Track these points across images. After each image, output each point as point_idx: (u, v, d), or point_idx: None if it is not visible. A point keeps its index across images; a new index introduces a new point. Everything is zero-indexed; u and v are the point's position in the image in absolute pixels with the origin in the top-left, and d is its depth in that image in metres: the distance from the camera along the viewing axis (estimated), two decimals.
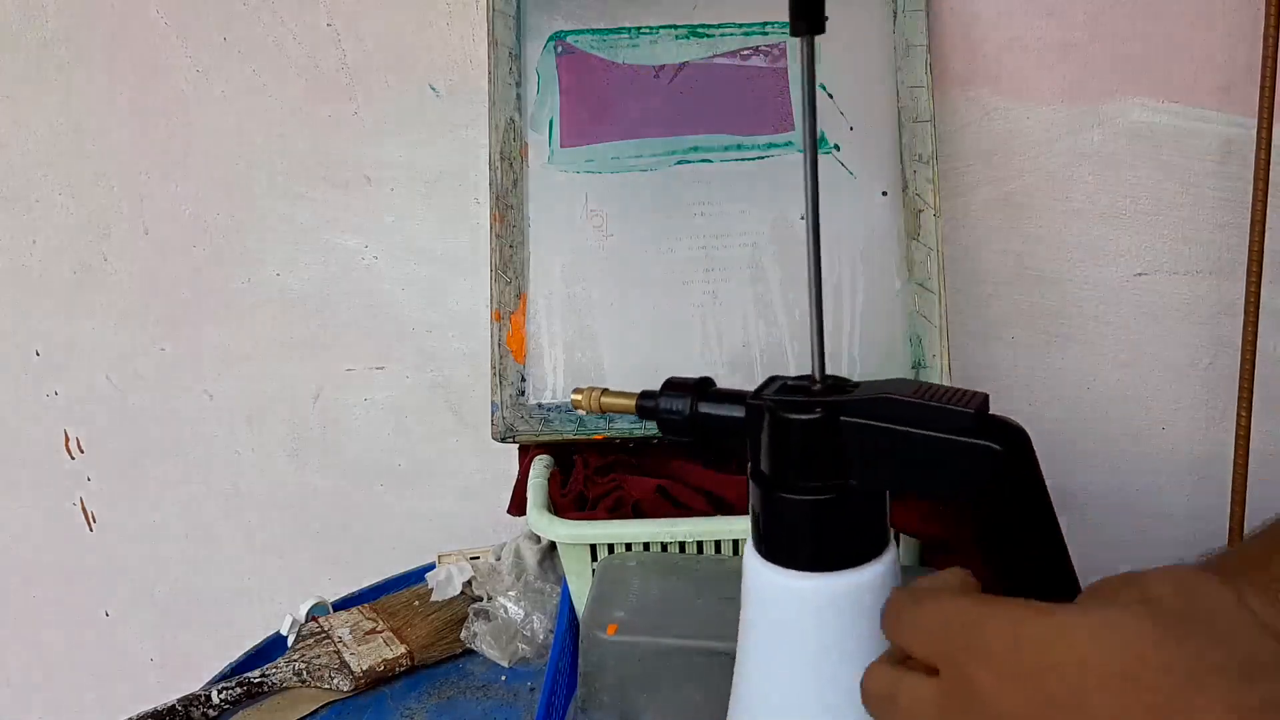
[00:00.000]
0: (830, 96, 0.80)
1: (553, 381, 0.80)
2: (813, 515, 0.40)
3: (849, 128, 0.80)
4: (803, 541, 0.40)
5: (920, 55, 0.80)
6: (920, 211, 0.80)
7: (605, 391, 0.50)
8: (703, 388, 0.45)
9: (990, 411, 0.40)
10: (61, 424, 1.03)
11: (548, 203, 0.81)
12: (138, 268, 0.96)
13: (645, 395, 0.47)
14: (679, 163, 0.81)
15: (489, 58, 0.81)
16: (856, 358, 0.79)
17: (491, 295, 0.81)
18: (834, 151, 0.80)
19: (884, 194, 0.80)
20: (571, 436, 0.78)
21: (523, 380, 0.80)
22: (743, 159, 0.80)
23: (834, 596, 0.40)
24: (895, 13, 0.81)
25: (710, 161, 0.81)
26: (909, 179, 0.80)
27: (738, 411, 0.43)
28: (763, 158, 0.80)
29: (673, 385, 0.46)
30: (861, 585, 0.40)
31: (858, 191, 0.80)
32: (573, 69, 0.82)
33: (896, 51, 0.81)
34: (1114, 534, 0.98)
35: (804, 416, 0.40)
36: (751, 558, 0.42)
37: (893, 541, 0.42)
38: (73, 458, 1.04)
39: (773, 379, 0.43)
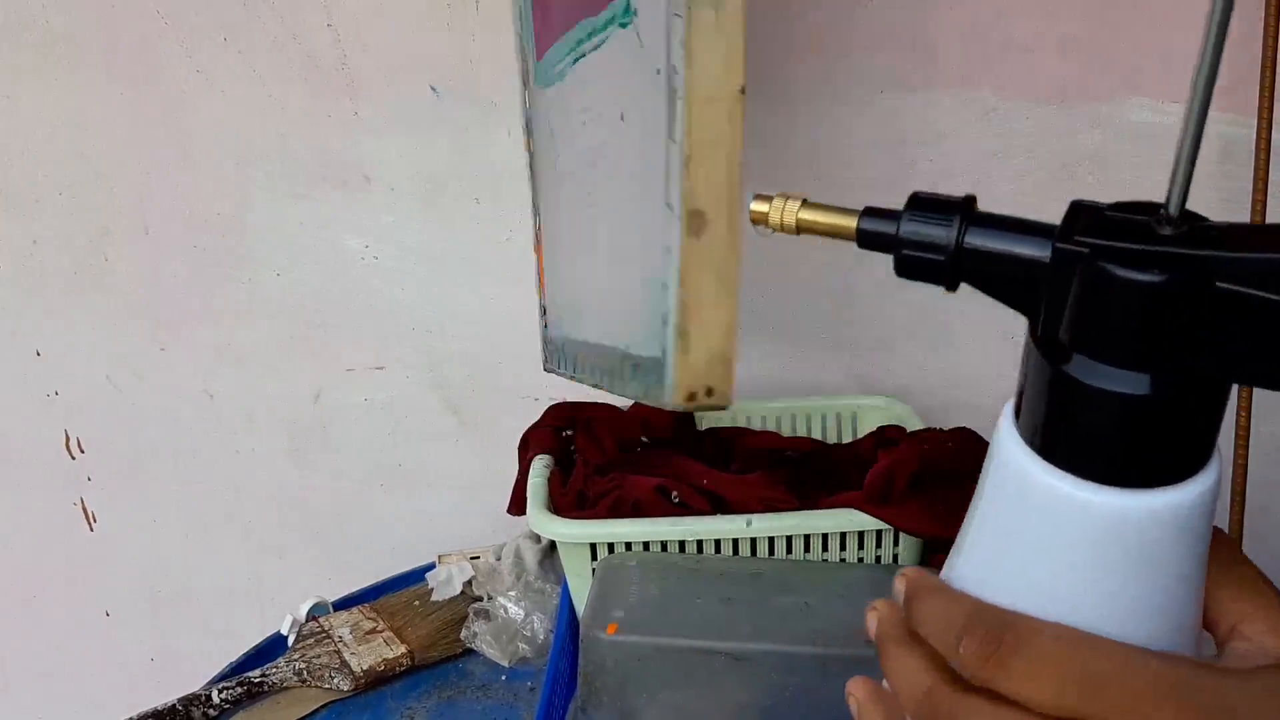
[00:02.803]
0: None
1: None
2: (1135, 415, 0.28)
3: None
4: (1113, 447, 0.29)
5: None
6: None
7: (805, 203, 0.34)
8: (968, 208, 0.31)
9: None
10: (62, 424, 1.03)
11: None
12: (138, 268, 0.96)
13: (873, 214, 0.32)
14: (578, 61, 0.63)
15: None
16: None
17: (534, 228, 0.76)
18: (634, 20, 0.54)
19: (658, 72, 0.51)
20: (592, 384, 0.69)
21: (544, 314, 0.77)
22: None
23: (1145, 520, 0.29)
24: None
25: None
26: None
27: (1039, 251, 0.29)
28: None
29: (924, 203, 0.31)
30: (1183, 505, 0.29)
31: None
32: None
33: None
34: None
35: (1159, 279, 0.27)
36: (1018, 450, 0.30)
37: (1218, 450, 0.30)
38: (73, 458, 1.04)
39: (1080, 206, 0.30)
